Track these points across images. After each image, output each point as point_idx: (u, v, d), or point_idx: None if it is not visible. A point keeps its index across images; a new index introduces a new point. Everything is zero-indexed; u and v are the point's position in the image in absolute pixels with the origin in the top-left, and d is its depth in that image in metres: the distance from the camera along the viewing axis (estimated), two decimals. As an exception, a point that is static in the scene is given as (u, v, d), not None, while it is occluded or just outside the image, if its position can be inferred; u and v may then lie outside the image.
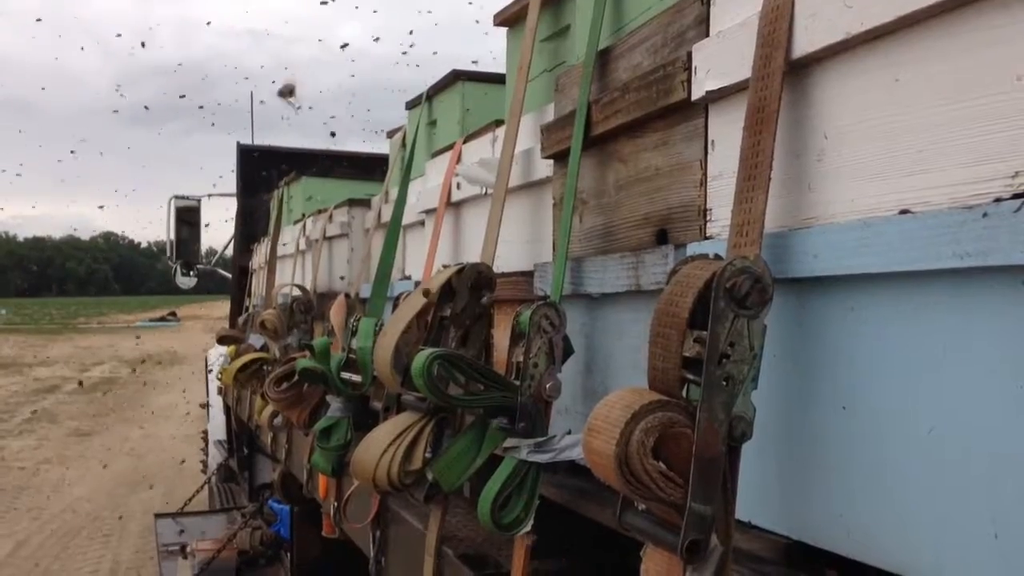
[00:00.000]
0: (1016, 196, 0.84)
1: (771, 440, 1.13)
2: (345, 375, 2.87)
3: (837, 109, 1.08)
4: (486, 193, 2.30)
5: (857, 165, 1.04)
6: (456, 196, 2.48)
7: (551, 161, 1.94)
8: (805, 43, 1.09)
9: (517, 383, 1.56)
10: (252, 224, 7.15)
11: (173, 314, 53.81)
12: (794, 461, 1.12)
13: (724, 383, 1.05)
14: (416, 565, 2.12)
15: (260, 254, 6.08)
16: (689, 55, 1.31)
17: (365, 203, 3.77)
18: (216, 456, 7.95)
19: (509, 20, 2.24)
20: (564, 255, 1.60)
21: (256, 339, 4.91)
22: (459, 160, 2.52)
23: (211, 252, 10.03)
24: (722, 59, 1.24)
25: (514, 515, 1.54)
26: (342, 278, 3.88)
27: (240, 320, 5.82)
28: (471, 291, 1.97)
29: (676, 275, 1.12)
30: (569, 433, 1.55)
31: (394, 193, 3.40)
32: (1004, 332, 0.86)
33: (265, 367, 4.34)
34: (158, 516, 6.49)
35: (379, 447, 1.93)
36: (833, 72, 1.08)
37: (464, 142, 2.52)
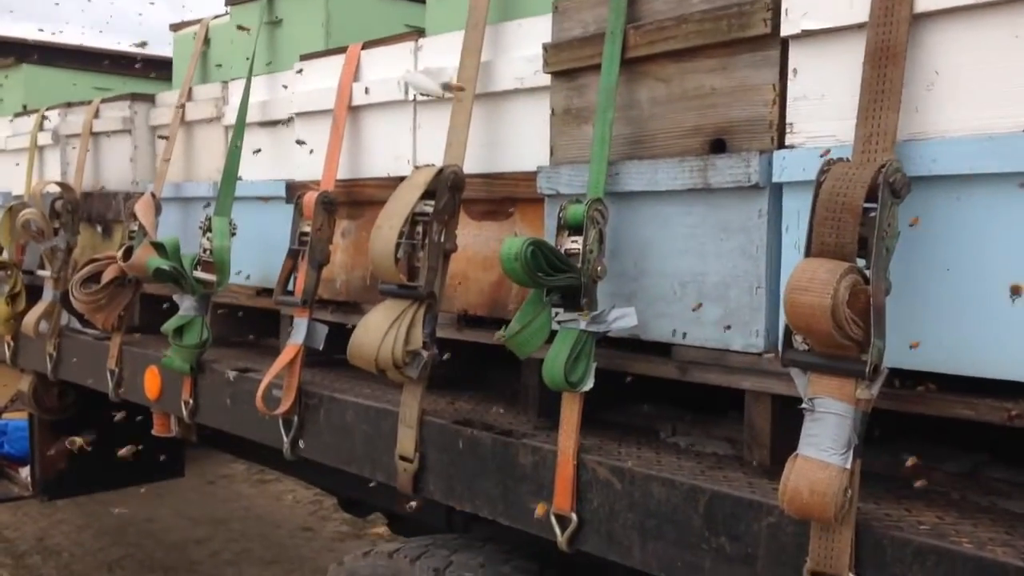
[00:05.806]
0: None
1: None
2: (198, 274, 2.90)
3: (952, 52, 1.47)
4: (415, 99, 2.46)
5: (973, 94, 1.45)
6: (358, 100, 2.60)
7: (515, 73, 2.20)
8: (929, 2, 1.47)
9: (578, 266, 1.83)
10: None
11: None
12: (902, 308, 1.52)
13: (884, 252, 1.43)
14: (370, 439, 2.31)
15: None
16: (775, -1, 1.66)
17: (149, 98, 3.63)
18: None
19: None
20: (604, 158, 1.88)
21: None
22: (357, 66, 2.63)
23: None
24: (823, 6, 1.59)
25: (578, 375, 1.82)
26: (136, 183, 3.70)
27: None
28: (449, 190, 2.17)
29: (829, 174, 1.47)
30: (614, 307, 1.86)
31: (207, 91, 3.36)
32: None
33: (2, 272, 4.06)
34: None
35: (379, 331, 2.10)
36: (951, 25, 1.47)
37: (363, 48, 2.63)
